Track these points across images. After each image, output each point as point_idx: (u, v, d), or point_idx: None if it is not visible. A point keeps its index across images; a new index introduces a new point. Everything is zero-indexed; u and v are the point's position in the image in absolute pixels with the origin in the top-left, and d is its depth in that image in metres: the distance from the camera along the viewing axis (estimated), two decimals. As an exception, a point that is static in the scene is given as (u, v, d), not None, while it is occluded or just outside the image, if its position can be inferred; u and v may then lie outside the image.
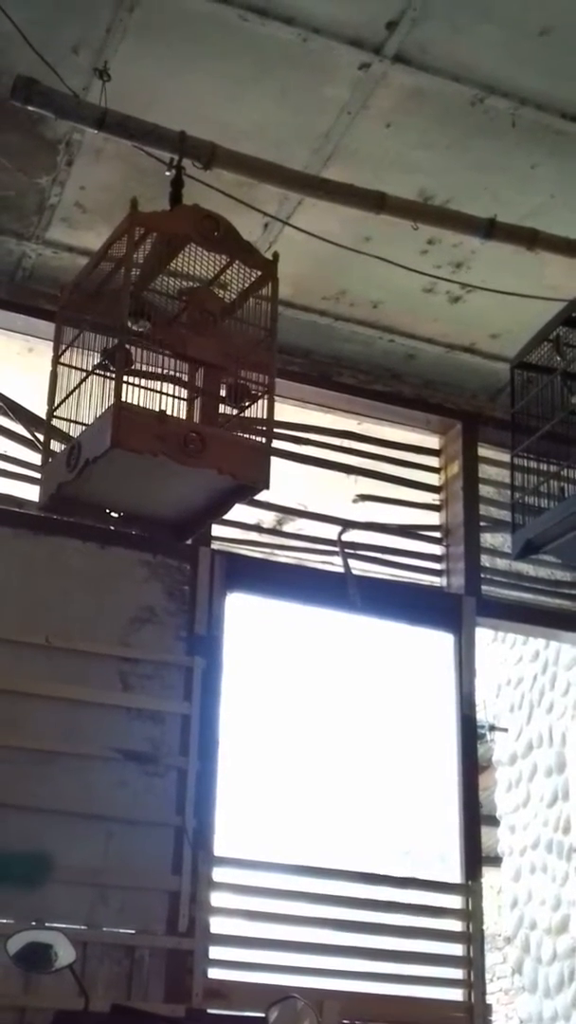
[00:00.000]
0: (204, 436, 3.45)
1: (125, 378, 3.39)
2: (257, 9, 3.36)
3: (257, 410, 3.64)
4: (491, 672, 8.00)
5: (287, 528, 5.01)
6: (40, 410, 4.00)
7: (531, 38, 3.46)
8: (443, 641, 4.86)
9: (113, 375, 3.44)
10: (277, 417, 3.74)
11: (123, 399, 3.36)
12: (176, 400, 3.59)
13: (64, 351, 3.79)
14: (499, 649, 7.93)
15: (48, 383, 3.81)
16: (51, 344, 3.89)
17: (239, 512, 4.24)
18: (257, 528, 4.91)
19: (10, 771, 3.94)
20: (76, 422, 3.67)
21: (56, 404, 3.76)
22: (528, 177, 3.97)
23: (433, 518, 5.12)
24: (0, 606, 4.11)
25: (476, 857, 4.57)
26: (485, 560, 5.04)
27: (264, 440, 3.61)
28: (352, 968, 4.27)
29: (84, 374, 3.68)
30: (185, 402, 3.65)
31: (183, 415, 3.60)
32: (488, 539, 5.11)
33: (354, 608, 4.70)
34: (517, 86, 3.63)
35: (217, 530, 4.58)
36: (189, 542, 4.28)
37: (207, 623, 4.37)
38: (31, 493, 4.21)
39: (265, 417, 3.63)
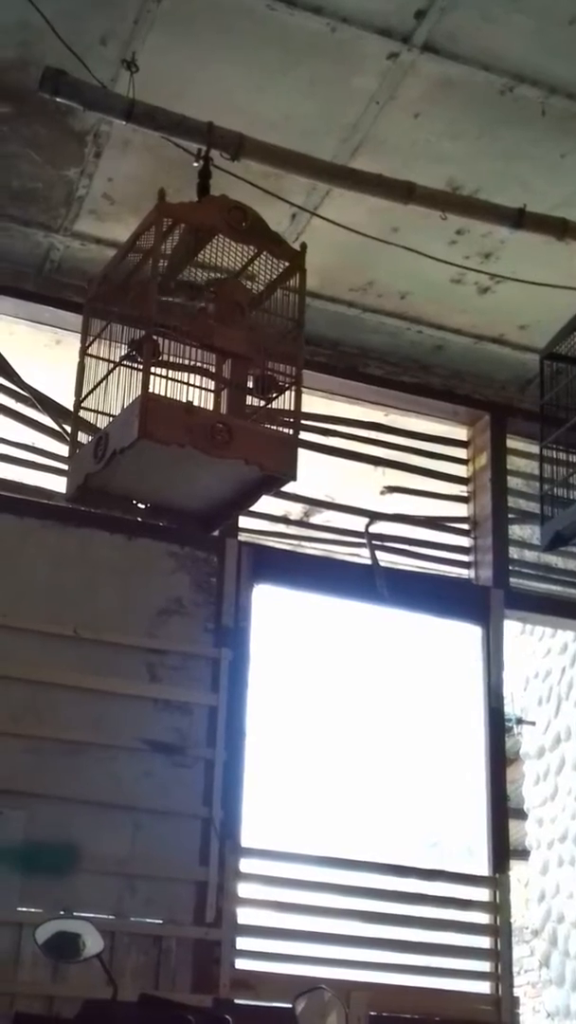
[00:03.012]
0: (231, 427, 3.45)
1: (152, 369, 3.40)
2: (285, -2, 3.36)
3: (284, 401, 3.63)
4: (519, 665, 7.97)
5: (314, 520, 5.00)
6: (68, 402, 4.01)
7: (561, 26, 3.44)
8: (471, 633, 4.84)
9: (141, 366, 3.45)
10: (304, 408, 3.74)
11: (150, 390, 3.37)
12: (203, 391, 3.60)
13: (92, 342, 3.80)
14: (527, 642, 7.91)
15: (76, 374, 3.82)
16: (79, 336, 3.90)
17: (266, 504, 4.23)
18: (284, 520, 4.91)
19: (39, 761, 3.96)
20: (103, 413, 3.68)
21: (84, 395, 3.77)
22: (558, 166, 3.94)
23: (461, 510, 5.11)
24: (28, 597, 4.12)
25: (504, 850, 4.56)
26: (513, 552, 5.02)
27: (291, 431, 3.61)
28: (379, 960, 4.27)
29: (112, 365, 3.68)
30: (212, 393, 3.65)
31: (210, 406, 3.60)
32: (516, 531, 5.09)
33: (381, 600, 4.69)
34: (547, 75, 3.60)
35: (244, 522, 4.58)
36: (216, 533, 4.28)
37: (234, 615, 4.37)
38: (59, 484, 4.22)
39: (292, 408, 3.63)
